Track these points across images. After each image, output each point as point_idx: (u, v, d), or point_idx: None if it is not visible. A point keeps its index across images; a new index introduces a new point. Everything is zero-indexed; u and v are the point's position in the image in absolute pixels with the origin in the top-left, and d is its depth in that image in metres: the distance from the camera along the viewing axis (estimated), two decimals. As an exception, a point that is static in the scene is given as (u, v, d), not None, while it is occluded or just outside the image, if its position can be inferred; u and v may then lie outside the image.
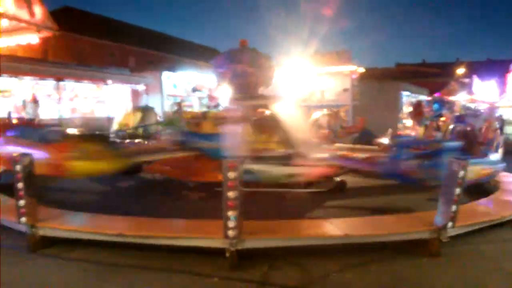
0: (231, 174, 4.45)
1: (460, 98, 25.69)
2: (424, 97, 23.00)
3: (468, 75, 28.61)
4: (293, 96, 15.88)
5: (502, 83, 25.62)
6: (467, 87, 27.62)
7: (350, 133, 12.29)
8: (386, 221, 5.53)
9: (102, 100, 20.12)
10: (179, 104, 20.68)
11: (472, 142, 8.87)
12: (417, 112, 19.50)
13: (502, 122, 25.91)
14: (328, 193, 7.79)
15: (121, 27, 39.12)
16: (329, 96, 16.43)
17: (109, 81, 19.80)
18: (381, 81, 21.21)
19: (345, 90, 16.14)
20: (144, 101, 21.06)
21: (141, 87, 21.40)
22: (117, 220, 5.41)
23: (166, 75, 21.71)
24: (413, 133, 15.43)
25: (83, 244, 5.11)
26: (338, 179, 8.10)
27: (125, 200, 7.67)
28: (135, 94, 21.46)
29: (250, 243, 4.68)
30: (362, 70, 16.51)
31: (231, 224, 4.46)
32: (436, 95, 24.92)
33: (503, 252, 5.25)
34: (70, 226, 5.20)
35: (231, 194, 4.45)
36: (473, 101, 26.87)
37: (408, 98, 21.79)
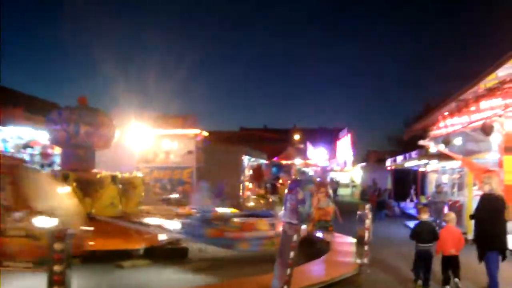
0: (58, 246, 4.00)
1: (296, 162, 27.74)
2: (263, 161, 24.22)
3: (303, 141, 31.12)
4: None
5: (332, 149, 28.24)
6: (302, 152, 29.99)
7: None
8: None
9: None
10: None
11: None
12: (258, 174, 20.59)
13: (337, 185, 28.44)
14: (169, 260, 7.50)
15: None
16: (174, 158, 16.38)
17: None
18: (225, 145, 21.86)
19: (190, 152, 16.25)
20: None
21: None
22: None
23: (-6, 129, 19.76)
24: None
25: None
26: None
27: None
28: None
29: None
30: (206, 133, 16.86)
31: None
32: (274, 159, 26.53)
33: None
34: None
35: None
36: (307, 165, 29.12)
37: (249, 162, 22.73)
